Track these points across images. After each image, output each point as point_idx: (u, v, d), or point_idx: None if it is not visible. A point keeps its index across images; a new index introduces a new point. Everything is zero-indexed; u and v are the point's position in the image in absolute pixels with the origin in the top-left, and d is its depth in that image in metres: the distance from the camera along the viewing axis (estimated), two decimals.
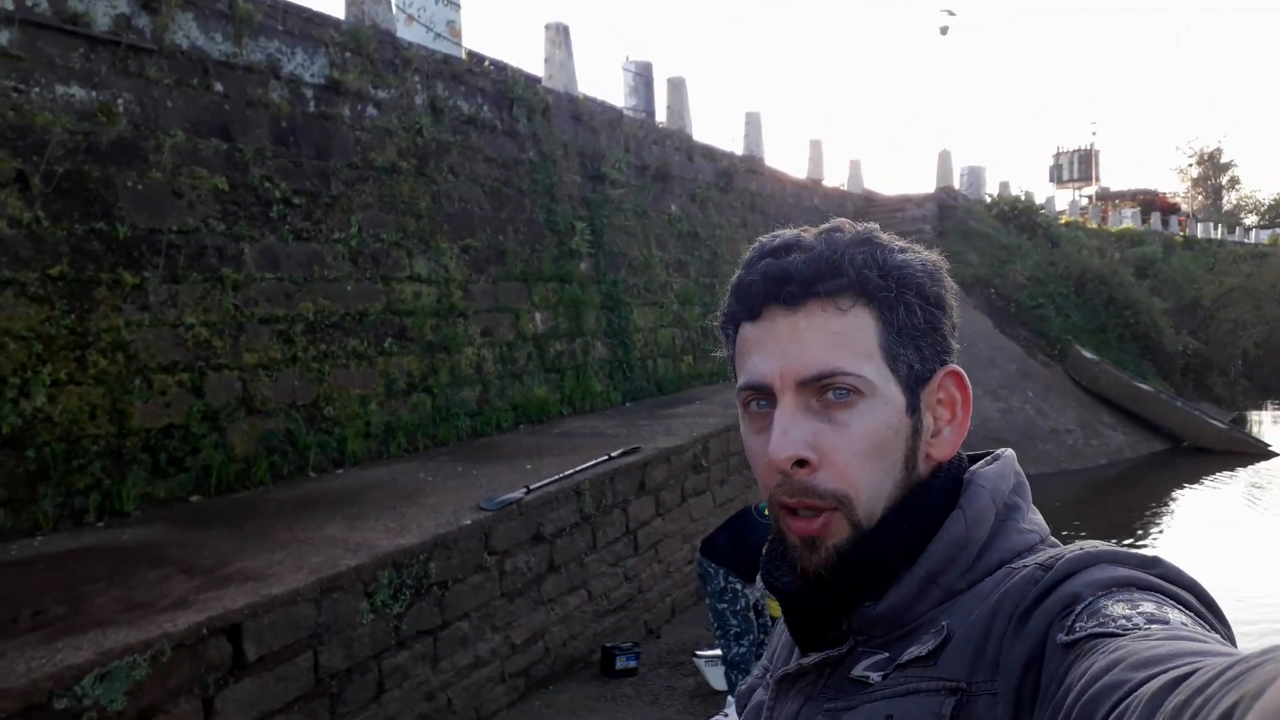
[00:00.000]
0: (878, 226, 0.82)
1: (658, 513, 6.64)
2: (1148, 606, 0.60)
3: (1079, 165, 43.42)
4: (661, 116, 13.37)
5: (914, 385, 0.77)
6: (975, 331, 15.24)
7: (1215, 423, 15.01)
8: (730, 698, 4.85)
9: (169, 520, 5.15)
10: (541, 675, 5.28)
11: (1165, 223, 32.88)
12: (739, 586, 4.93)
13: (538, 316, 9.36)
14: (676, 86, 13.58)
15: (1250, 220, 55.28)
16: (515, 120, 9.50)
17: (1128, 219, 30.71)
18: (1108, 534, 9.84)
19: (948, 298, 0.80)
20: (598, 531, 5.91)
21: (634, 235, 11.54)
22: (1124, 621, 0.58)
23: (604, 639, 5.82)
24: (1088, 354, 15.11)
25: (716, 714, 4.70)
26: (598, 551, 5.90)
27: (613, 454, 6.38)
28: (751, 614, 4.98)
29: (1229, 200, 60.60)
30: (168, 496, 5.61)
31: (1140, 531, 10.45)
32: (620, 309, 10.83)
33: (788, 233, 0.82)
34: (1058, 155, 44.17)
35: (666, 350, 11.72)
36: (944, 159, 20.81)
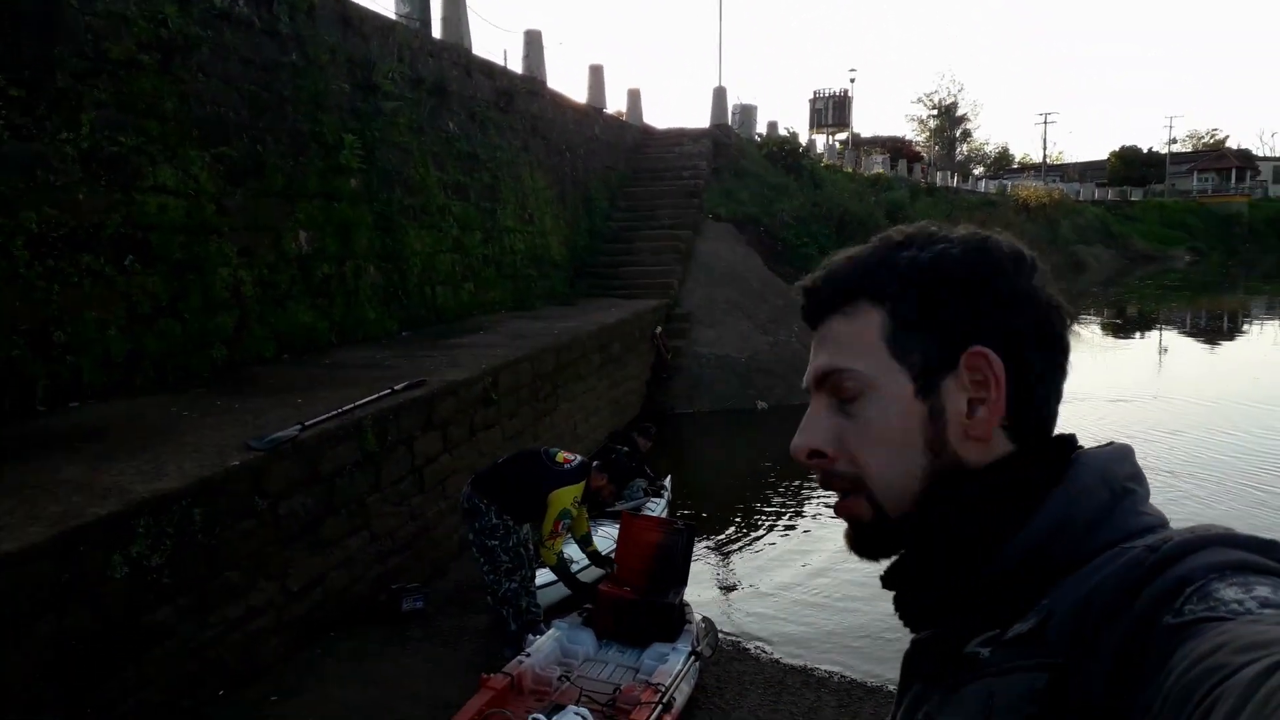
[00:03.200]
0: (931, 224, 0.83)
1: (445, 448, 6.34)
2: (1262, 590, 0.58)
3: (834, 110, 45.63)
4: (438, 28, 12.59)
5: (929, 372, 0.78)
6: (747, 267, 15.77)
7: None
8: (531, 636, 4.73)
9: None
10: (322, 622, 4.91)
11: (910, 170, 35.47)
12: (510, 522, 4.79)
13: (302, 236, 8.62)
14: None
15: (978, 171, 60.87)
16: (276, 19, 8.57)
17: (878, 165, 32.84)
18: None
19: (977, 279, 0.78)
20: (381, 469, 5.55)
21: (409, 153, 10.87)
22: (1235, 605, 0.57)
23: (389, 581, 5.52)
24: None
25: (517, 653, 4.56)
26: (382, 490, 5.54)
27: (396, 387, 6.00)
28: (523, 550, 4.86)
29: (962, 151, 66.36)
30: None
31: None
32: (395, 231, 10.22)
33: (838, 254, 0.86)
34: (814, 100, 46.13)
35: (446, 277, 11.23)
36: (719, 96, 21.17)
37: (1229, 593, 0.58)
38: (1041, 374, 0.77)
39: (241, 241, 7.75)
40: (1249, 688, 0.48)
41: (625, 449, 6.68)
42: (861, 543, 0.83)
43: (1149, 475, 0.76)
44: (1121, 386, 14.19)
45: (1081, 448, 0.78)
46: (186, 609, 3.84)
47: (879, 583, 0.85)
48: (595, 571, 5.50)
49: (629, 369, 11.62)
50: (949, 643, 0.75)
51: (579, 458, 5.07)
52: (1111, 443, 0.79)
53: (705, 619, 5.11)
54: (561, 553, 4.98)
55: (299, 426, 4.83)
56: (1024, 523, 0.72)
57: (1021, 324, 0.77)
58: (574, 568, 5.36)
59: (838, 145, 38.07)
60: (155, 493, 3.67)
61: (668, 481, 7.97)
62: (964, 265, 0.78)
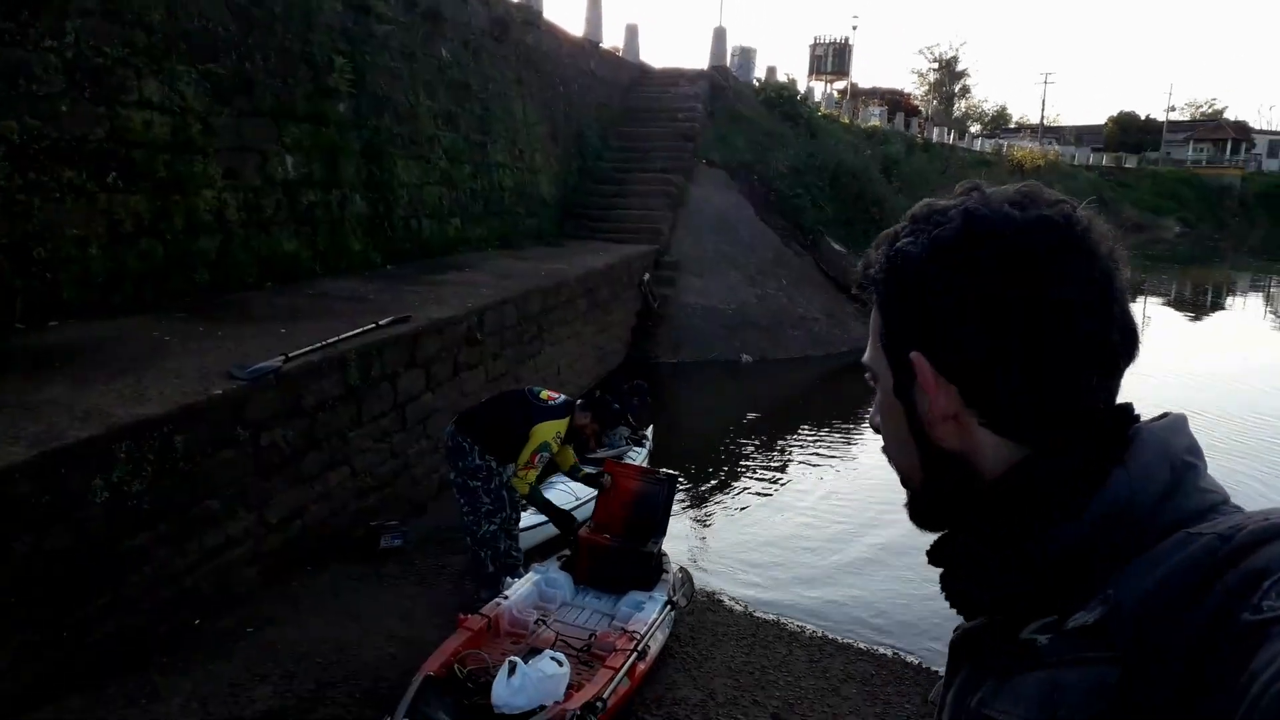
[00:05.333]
0: (939, 200, 0.81)
1: (428, 387, 6.30)
2: None
3: (834, 58, 44.88)
4: None
5: (901, 371, 0.80)
6: (738, 217, 15.62)
7: None
8: (508, 578, 4.74)
9: None
10: (300, 555, 4.91)
11: (907, 124, 35.09)
12: (494, 464, 4.77)
13: (289, 160, 8.43)
14: None
15: (975, 129, 60.42)
16: None
17: (875, 117, 32.46)
18: (842, 411, 10.60)
19: (925, 278, 0.77)
20: (363, 405, 5.50)
21: (400, 79, 10.61)
22: None
23: (368, 518, 5.51)
24: (837, 246, 15.96)
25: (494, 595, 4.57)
26: (363, 426, 5.51)
27: (381, 322, 5.93)
28: (505, 492, 4.85)
29: (959, 108, 65.76)
30: None
31: (871, 409, 11.31)
32: (383, 160, 10.01)
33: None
34: (815, 45, 45.38)
35: (433, 210, 11.05)
36: (719, 36, 20.77)
37: None
38: (1006, 360, 0.73)
39: (227, 163, 7.57)
40: None
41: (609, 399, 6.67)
42: (911, 512, 0.86)
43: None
44: None
45: (1139, 419, 0.76)
46: (165, 536, 3.82)
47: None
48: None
49: (615, 315, 11.55)
50: (1003, 628, 0.73)
51: (563, 397, 5.05)
52: (1166, 413, 0.76)
53: (682, 569, 5.15)
54: (535, 484, 4.95)
55: (282, 358, 4.77)
56: (1083, 506, 0.70)
57: (965, 318, 0.74)
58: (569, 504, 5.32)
59: (835, 94, 37.62)
60: (136, 418, 3.62)
61: (649, 431, 7.98)
62: (913, 263, 0.77)
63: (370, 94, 9.83)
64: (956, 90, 65.22)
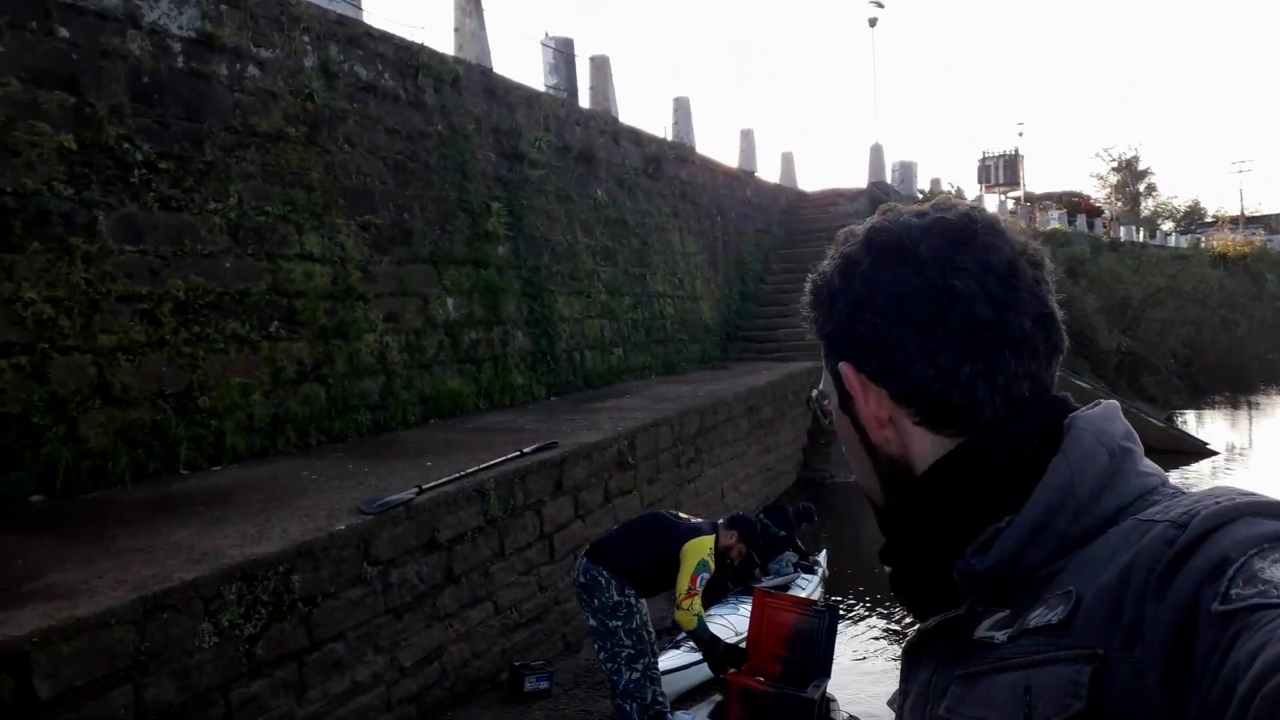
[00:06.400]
0: (863, 223, 0.83)
1: (577, 514, 5.98)
2: None
3: (1005, 170, 44.23)
4: (585, 98, 12.70)
5: (839, 381, 0.82)
6: None
7: (1154, 420, 14.89)
8: None
9: None
10: (438, 700, 4.58)
11: (1090, 225, 33.36)
12: (632, 599, 4.29)
13: (450, 302, 8.63)
14: (600, 66, 12.94)
15: (1167, 226, 56.80)
16: (421, 90, 8.75)
17: (1055, 220, 31.05)
18: None
19: (832, 292, 0.82)
20: (506, 536, 5.22)
21: (557, 219, 10.86)
22: None
23: (513, 657, 5.14)
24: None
25: None
26: (506, 559, 5.22)
27: (525, 449, 5.71)
28: (645, 633, 4.34)
29: (1146, 207, 62.22)
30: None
31: None
32: (543, 297, 10.15)
33: None
34: (984, 159, 44.95)
35: (594, 342, 11.06)
36: (876, 153, 20.56)
37: (1275, 572, 0.55)
38: (916, 351, 0.75)
39: (388, 307, 7.80)
40: None
41: (765, 521, 6.13)
42: (881, 529, 0.84)
43: None
44: None
45: (1076, 409, 0.76)
46: (283, 682, 3.58)
47: None
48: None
49: (782, 434, 11.02)
50: (957, 627, 0.73)
51: (704, 520, 4.59)
52: (1099, 401, 0.78)
53: (852, 718, 4.45)
54: (702, 615, 4.42)
55: (415, 490, 4.59)
56: (1023, 497, 0.70)
57: (874, 318, 0.77)
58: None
59: (1010, 204, 36.45)
60: (249, 557, 3.46)
61: (822, 557, 7.30)
62: (828, 280, 0.82)
63: (528, 235, 10.08)
64: (1142, 189, 61.91)
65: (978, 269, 0.74)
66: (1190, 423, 18.79)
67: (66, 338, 5.24)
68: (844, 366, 0.80)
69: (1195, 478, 12.91)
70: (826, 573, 7.16)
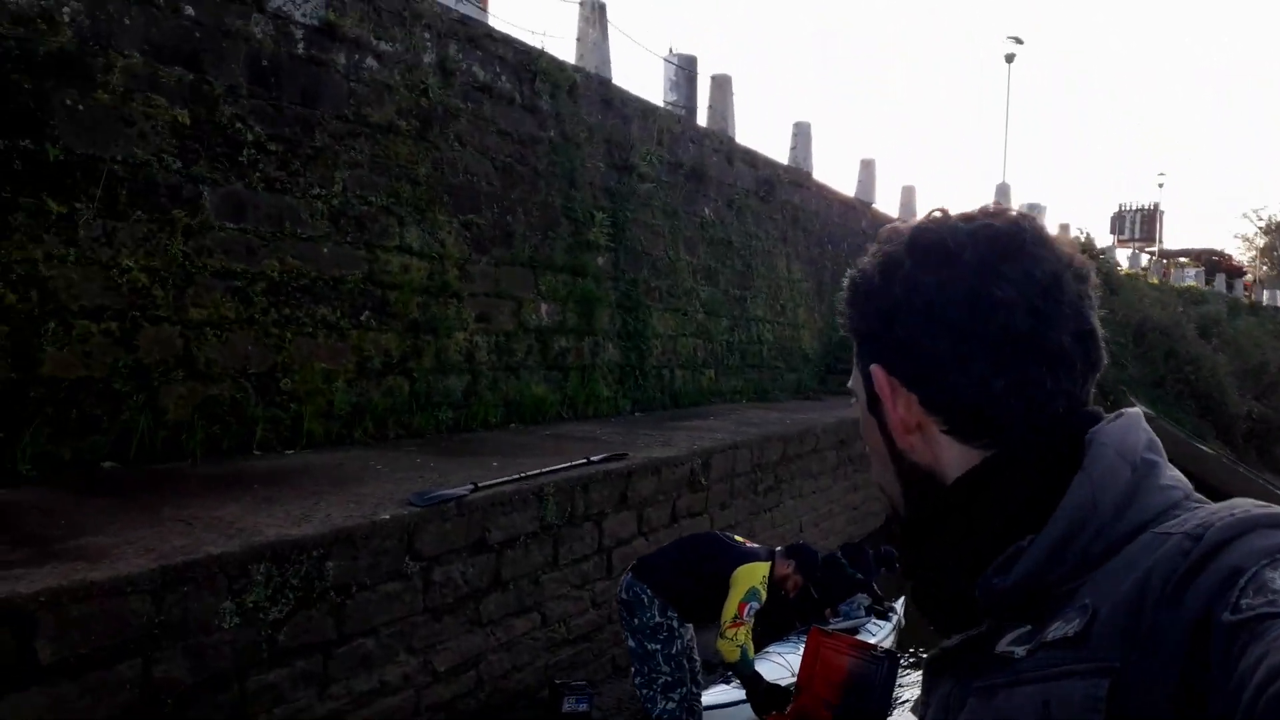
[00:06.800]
0: (898, 224, 0.83)
1: (640, 531, 5.78)
2: None
3: (1142, 224, 42.34)
4: (703, 116, 12.56)
5: (869, 387, 0.81)
6: None
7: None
8: None
9: (64, 485, 4.43)
10: (470, 710, 4.43)
11: (1230, 285, 31.43)
12: (674, 622, 4.06)
13: (544, 308, 8.58)
14: (721, 85, 12.79)
15: None
16: (537, 95, 8.76)
17: (1191, 278, 29.39)
18: None
19: (870, 292, 0.81)
20: (561, 545, 5.07)
21: (661, 235, 10.73)
22: None
23: (556, 674, 4.97)
24: (1142, 407, 14.05)
25: None
26: (559, 569, 5.06)
27: (593, 458, 5.55)
28: (685, 660, 4.09)
29: None
30: (75, 458, 4.89)
31: None
32: (638, 311, 10.02)
33: None
34: (1121, 210, 43.10)
35: (686, 361, 10.87)
36: (1001, 192, 19.84)
37: None
38: (952, 359, 0.74)
39: (481, 307, 7.79)
40: None
41: (841, 559, 5.79)
42: (900, 538, 0.85)
43: None
44: None
45: (1102, 419, 0.75)
46: (305, 674, 3.49)
47: None
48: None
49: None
50: (979, 642, 0.73)
51: (761, 545, 4.34)
52: (1121, 412, 0.76)
53: None
54: (747, 648, 4.16)
55: (470, 486, 4.47)
56: (1045, 515, 0.69)
57: (911, 322, 0.76)
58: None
59: (1145, 258, 34.74)
60: (283, 538, 3.38)
61: (899, 604, 6.89)
62: (867, 279, 0.81)
63: (629, 248, 9.98)
64: None
65: (1020, 279, 0.73)
66: None
67: (158, 308, 5.35)
68: (875, 369, 0.80)
69: None
70: (903, 621, 6.75)
